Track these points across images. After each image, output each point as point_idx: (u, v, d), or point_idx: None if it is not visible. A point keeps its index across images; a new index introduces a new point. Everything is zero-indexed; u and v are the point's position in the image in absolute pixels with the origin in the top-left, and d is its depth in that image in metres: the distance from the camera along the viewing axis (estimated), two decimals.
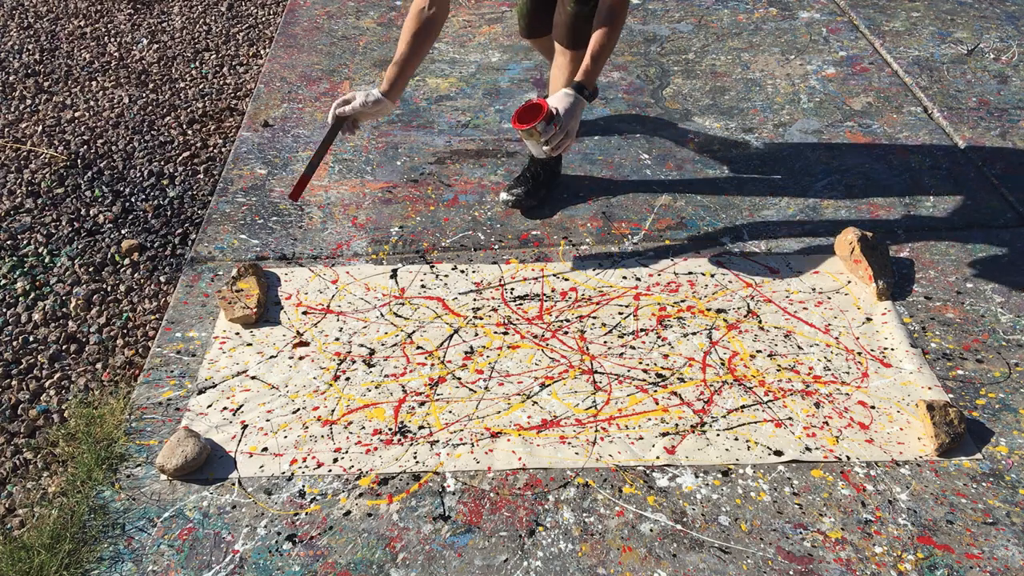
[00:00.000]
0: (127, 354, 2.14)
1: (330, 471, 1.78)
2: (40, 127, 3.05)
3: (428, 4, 2.21)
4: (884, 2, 3.80)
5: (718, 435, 1.85)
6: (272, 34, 3.72)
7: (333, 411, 1.91)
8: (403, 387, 1.97)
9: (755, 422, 1.87)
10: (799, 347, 2.07)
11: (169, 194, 2.73)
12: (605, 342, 2.08)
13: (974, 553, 1.62)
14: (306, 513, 1.70)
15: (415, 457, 1.81)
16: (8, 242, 2.51)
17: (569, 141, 2.06)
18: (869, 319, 2.15)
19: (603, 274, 2.30)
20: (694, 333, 2.11)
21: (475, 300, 2.21)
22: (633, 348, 2.07)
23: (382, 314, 2.18)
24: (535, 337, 2.10)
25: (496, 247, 2.41)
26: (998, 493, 1.73)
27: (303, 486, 1.75)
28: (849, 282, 2.26)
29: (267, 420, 1.89)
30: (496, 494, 1.73)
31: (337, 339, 2.11)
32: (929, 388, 1.95)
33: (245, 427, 1.88)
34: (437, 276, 2.30)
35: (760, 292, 2.23)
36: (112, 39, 3.70)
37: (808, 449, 1.81)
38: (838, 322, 2.14)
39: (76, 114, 3.14)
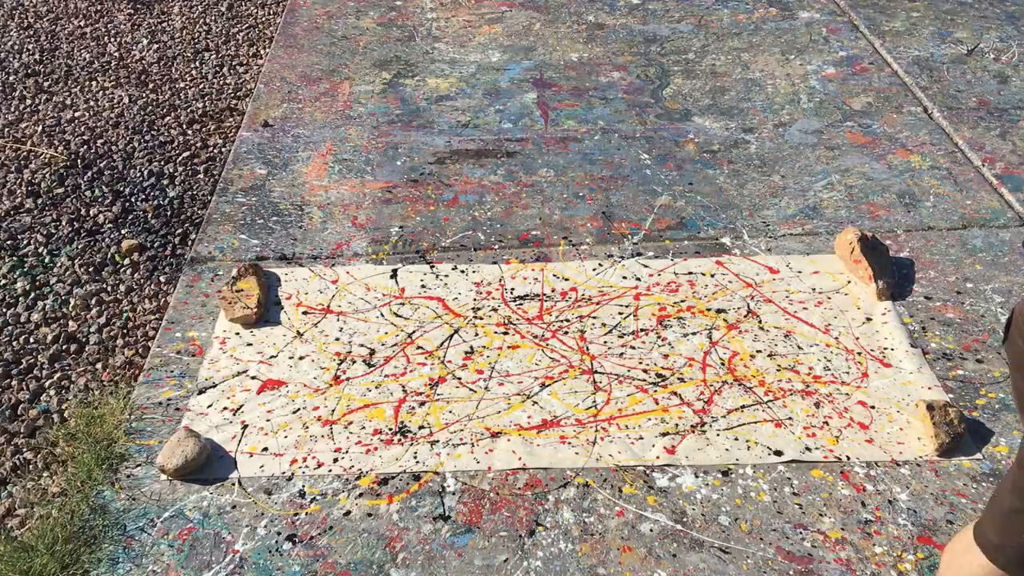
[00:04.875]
0: (127, 354, 2.14)
1: (330, 471, 1.78)
2: (40, 127, 3.05)
3: None
4: (884, 2, 3.80)
5: (718, 435, 1.85)
6: (272, 34, 3.72)
7: (333, 411, 1.91)
8: (403, 387, 1.97)
9: (755, 422, 1.87)
10: (799, 347, 2.07)
11: (169, 194, 2.73)
12: (605, 342, 2.08)
13: None
14: (306, 513, 1.70)
15: (415, 457, 1.81)
16: (8, 242, 2.51)
17: None
18: (869, 319, 2.15)
19: (603, 274, 2.30)
20: (694, 333, 2.11)
21: (476, 300, 2.21)
22: (633, 348, 2.07)
23: (382, 314, 2.18)
24: (535, 337, 2.10)
25: (496, 247, 2.41)
26: None
27: (303, 486, 1.75)
28: (849, 282, 2.26)
29: (267, 420, 1.89)
30: (496, 494, 1.73)
31: (337, 339, 2.11)
32: (929, 388, 1.95)
33: (245, 427, 1.88)
34: (437, 276, 2.30)
35: (760, 292, 2.23)
36: (112, 39, 3.70)
37: (808, 449, 1.81)
38: (838, 322, 2.14)
39: (76, 114, 3.14)
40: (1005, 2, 3.78)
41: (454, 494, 1.73)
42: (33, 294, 2.33)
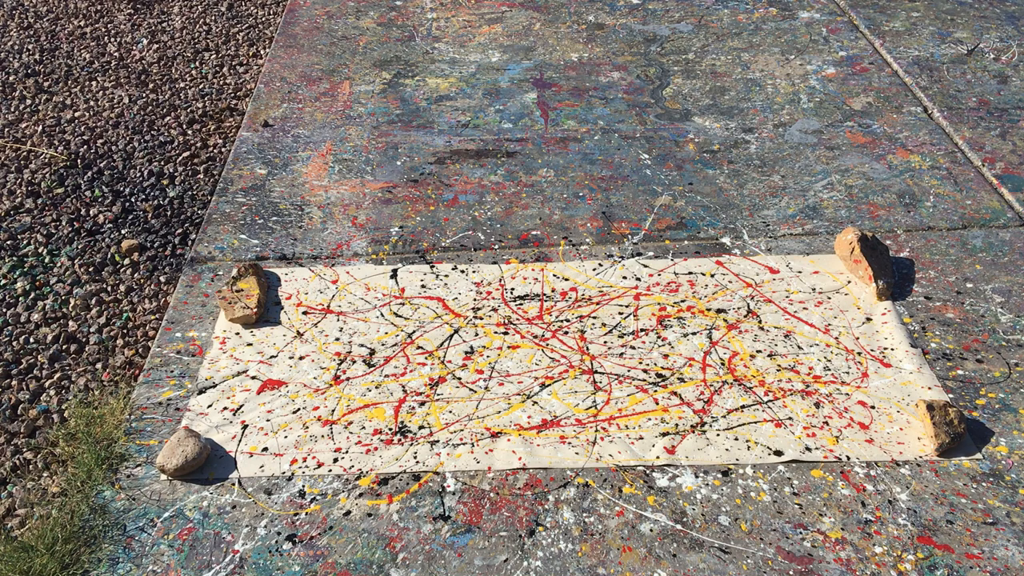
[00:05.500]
0: (127, 354, 2.14)
1: (330, 471, 1.78)
2: (40, 127, 3.05)
3: None
4: (884, 2, 3.80)
5: (718, 435, 1.85)
6: (272, 34, 3.72)
7: (333, 411, 1.91)
8: (403, 387, 1.97)
9: (755, 422, 1.88)
10: (799, 347, 2.07)
11: (169, 194, 2.73)
12: (605, 342, 2.08)
13: (974, 553, 1.62)
14: (306, 513, 1.70)
15: (415, 457, 1.81)
16: (8, 242, 2.51)
17: None
18: (869, 319, 2.15)
19: (603, 274, 2.30)
20: (694, 333, 2.11)
21: (476, 300, 2.21)
22: (633, 348, 2.07)
23: (382, 314, 2.18)
24: (535, 337, 2.10)
25: (496, 247, 2.41)
26: (998, 493, 1.73)
27: (303, 486, 1.75)
28: (849, 282, 2.26)
29: (267, 420, 1.89)
30: (496, 494, 1.73)
31: (337, 339, 2.11)
32: (929, 388, 1.95)
33: (245, 427, 1.88)
34: (437, 276, 2.30)
35: (760, 292, 2.23)
36: (112, 39, 3.70)
37: (808, 449, 1.81)
38: (838, 322, 2.14)
39: (76, 114, 3.14)
40: (1005, 2, 3.78)
41: (454, 494, 1.73)
42: (33, 294, 2.33)
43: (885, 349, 2.06)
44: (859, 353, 2.05)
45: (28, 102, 3.23)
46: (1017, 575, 1.58)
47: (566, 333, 2.11)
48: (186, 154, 2.91)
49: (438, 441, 1.84)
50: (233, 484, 1.76)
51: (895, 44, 3.45)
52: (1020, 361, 2.03)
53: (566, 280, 2.28)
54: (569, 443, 1.83)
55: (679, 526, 1.67)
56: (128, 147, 2.96)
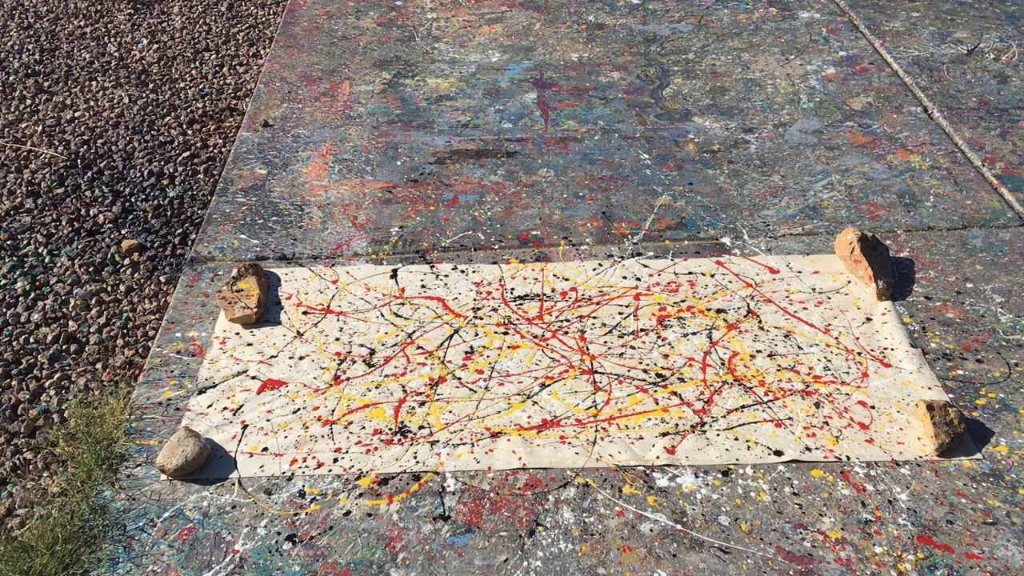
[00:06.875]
0: (127, 354, 2.14)
1: (330, 471, 1.78)
2: (40, 127, 3.05)
3: None
4: (884, 2, 3.80)
5: (718, 435, 1.85)
6: (272, 34, 3.72)
7: (333, 411, 1.91)
8: (403, 387, 1.97)
9: (755, 422, 1.88)
10: (799, 347, 2.07)
11: (169, 194, 2.73)
12: (605, 342, 2.08)
13: (974, 553, 1.62)
14: (306, 513, 1.70)
15: (415, 457, 1.81)
16: (8, 242, 2.51)
17: None
18: (869, 319, 2.15)
19: (603, 274, 2.30)
20: (694, 333, 2.11)
21: (476, 300, 2.21)
22: (633, 348, 2.07)
23: (382, 314, 2.18)
24: (535, 337, 2.10)
25: (496, 247, 2.41)
26: (998, 493, 1.73)
27: (303, 486, 1.75)
28: (849, 282, 2.26)
29: (267, 420, 1.89)
30: (496, 494, 1.73)
31: (337, 339, 2.11)
32: (929, 388, 1.95)
33: (245, 427, 1.88)
34: (437, 276, 2.30)
35: (760, 292, 2.23)
36: (112, 39, 3.70)
37: (808, 449, 1.81)
38: (838, 322, 2.14)
39: (76, 114, 3.14)
40: (1005, 2, 3.78)
41: (454, 494, 1.73)
42: (33, 294, 2.33)
43: (885, 349, 2.06)
44: (859, 353, 2.05)
45: (28, 102, 3.23)
46: (1017, 575, 1.58)
47: (566, 333, 2.11)
48: (186, 154, 2.91)
49: (438, 441, 1.84)
50: (233, 484, 1.76)
51: (895, 44, 3.45)
52: (1020, 361, 2.03)
53: (566, 280, 2.28)
54: (569, 443, 1.83)
55: (679, 526, 1.67)
56: (128, 147, 2.96)
